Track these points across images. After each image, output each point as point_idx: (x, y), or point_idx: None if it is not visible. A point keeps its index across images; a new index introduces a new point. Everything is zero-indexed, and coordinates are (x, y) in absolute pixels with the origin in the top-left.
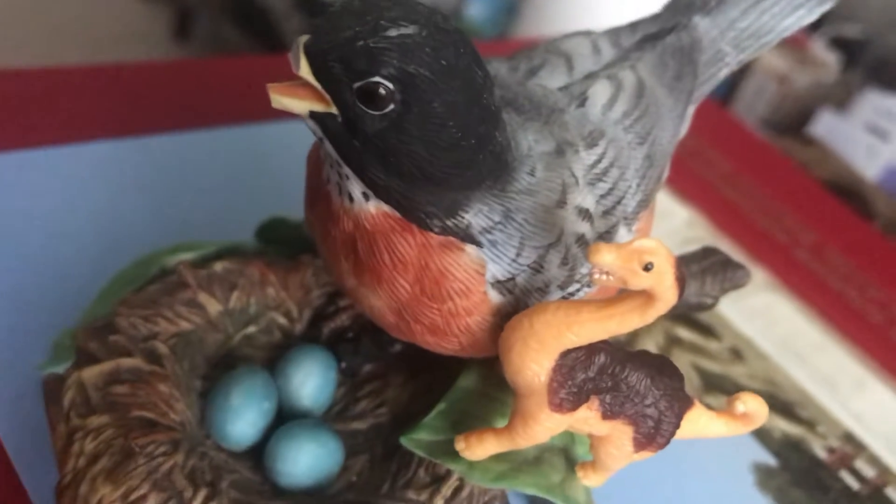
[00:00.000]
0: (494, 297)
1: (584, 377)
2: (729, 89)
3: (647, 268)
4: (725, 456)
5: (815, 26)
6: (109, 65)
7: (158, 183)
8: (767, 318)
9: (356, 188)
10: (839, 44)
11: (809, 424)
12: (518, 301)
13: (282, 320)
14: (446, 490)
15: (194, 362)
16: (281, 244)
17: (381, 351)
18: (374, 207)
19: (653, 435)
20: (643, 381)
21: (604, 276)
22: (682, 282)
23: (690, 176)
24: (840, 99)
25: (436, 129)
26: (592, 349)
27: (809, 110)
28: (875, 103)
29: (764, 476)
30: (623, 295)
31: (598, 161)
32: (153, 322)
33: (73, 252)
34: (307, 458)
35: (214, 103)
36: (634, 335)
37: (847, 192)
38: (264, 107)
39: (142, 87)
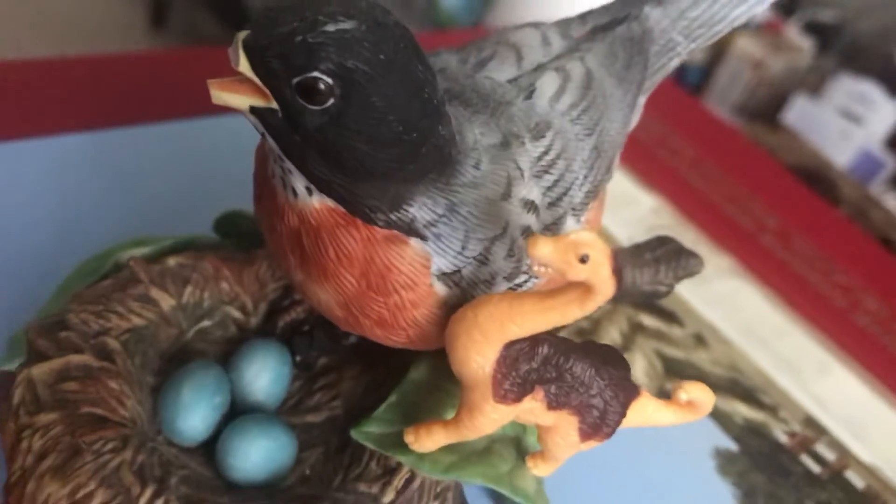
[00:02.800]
0: (440, 289)
1: (528, 368)
2: (704, 76)
3: (583, 260)
4: (686, 442)
5: (790, 11)
6: (69, 58)
7: (120, 176)
8: (731, 303)
9: (299, 183)
10: (813, 29)
11: (771, 409)
12: (464, 293)
13: (236, 314)
14: (398, 482)
15: (147, 358)
16: (238, 237)
17: (336, 344)
18: (317, 202)
19: (598, 425)
20: (587, 371)
21: (542, 269)
22: (618, 273)
23: (656, 164)
24: (814, 84)
25: (376, 124)
26: (536, 340)
27: (783, 95)
28: (848, 88)
29: (725, 461)
30: (563, 287)
31: (545, 153)
32: (104, 318)
33: (33, 247)
34: (259, 453)
35: (175, 96)
36: (598, 322)
37: (814, 177)
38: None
39: (104, 80)
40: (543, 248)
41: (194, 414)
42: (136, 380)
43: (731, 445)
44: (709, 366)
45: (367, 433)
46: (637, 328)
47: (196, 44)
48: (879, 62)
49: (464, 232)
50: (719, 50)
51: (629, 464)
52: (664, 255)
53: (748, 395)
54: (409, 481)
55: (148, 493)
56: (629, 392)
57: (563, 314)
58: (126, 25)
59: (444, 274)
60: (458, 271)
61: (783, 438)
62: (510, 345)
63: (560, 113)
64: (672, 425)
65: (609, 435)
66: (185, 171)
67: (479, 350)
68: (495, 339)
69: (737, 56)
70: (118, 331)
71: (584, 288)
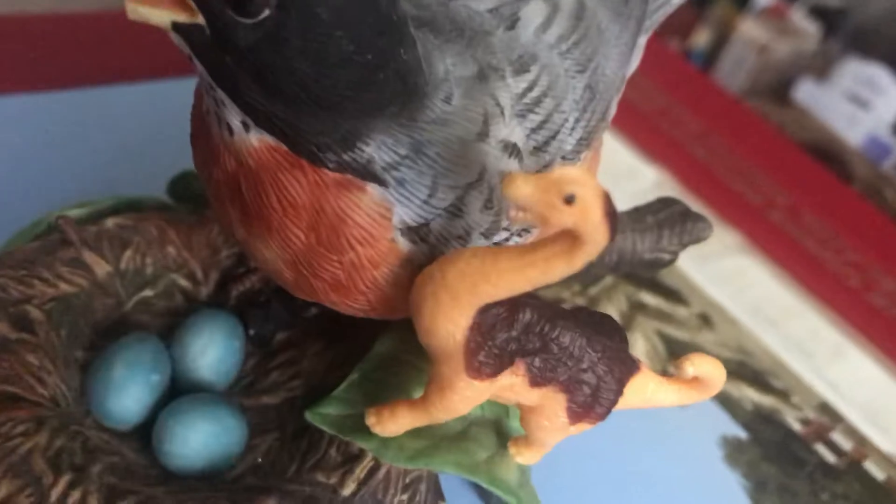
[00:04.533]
0: (404, 245)
1: (506, 337)
2: (708, 60)
3: (570, 201)
4: (691, 429)
5: None
6: (16, 15)
7: (71, 140)
8: (738, 282)
9: (234, 117)
10: (819, 13)
11: (783, 395)
12: (433, 251)
13: (184, 283)
14: (360, 471)
15: (76, 330)
16: (194, 201)
17: (295, 316)
18: (256, 140)
19: (590, 404)
20: (577, 341)
21: (520, 214)
22: (612, 218)
23: (660, 136)
24: (820, 68)
25: (321, 41)
26: (516, 304)
27: (789, 80)
28: (855, 72)
29: (733, 450)
30: (546, 239)
31: (529, 89)
32: (27, 284)
33: None
34: (200, 437)
35: (131, 57)
36: (594, 300)
37: (825, 154)
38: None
39: (55, 40)
40: (522, 187)
41: (127, 393)
42: (62, 354)
43: (740, 433)
44: (715, 348)
45: (325, 415)
46: (637, 307)
47: None
48: (887, 46)
49: (431, 177)
50: (724, 34)
51: (627, 453)
52: (668, 218)
53: (757, 378)
54: (372, 471)
55: (62, 483)
56: (626, 367)
57: (546, 271)
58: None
59: (409, 227)
60: (426, 224)
61: (796, 426)
62: (485, 309)
63: (548, 45)
64: (676, 406)
65: (603, 416)
66: (139, 135)
67: (449, 315)
68: (467, 302)
69: (742, 40)
70: (42, 298)
71: (570, 238)
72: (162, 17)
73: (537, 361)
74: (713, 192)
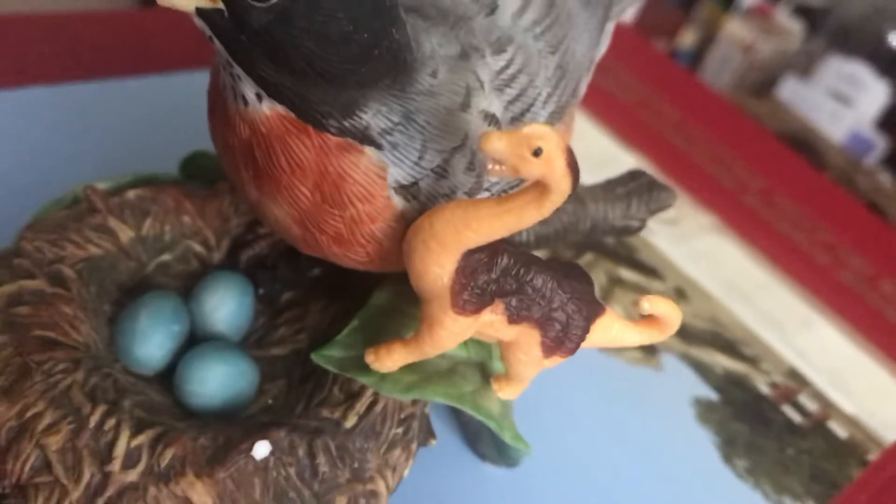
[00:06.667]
0: (398, 202)
1: (486, 279)
2: (695, 59)
3: (537, 153)
4: (667, 390)
5: None
6: (48, 14)
7: (88, 129)
8: (713, 259)
9: (249, 89)
10: (803, 12)
11: (753, 361)
12: (423, 207)
13: (198, 248)
14: (360, 406)
15: (104, 288)
16: (203, 177)
17: (300, 276)
18: (268, 109)
19: (561, 339)
20: (549, 283)
21: (497, 167)
22: (574, 169)
23: (638, 124)
24: (804, 66)
25: (324, 21)
26: (495, 251)
27: (774, 78)
28: (838, 69)
29: (705, 410)
30: (519, 190)
31: (506, 67)
32: (60, 246)
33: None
34: (217, 378)
35: (148, 53)
36: None
37: (801, 144)
38: (197, 55)
39: (71, 37)
40: (496, 142)
41: (151, 341)
42: (92, 308)
43: (712, 395)
44: (689, 318)
45: (329, 357)
46: (616, 282)
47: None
48: (869, 43)
49: (421, 141)
50: (709, 34)
51: (607, 411)
52: (636, 188)
53: (729, 347)
54: (371, 406)
55: (98, 412)
56: (593, 307)
57: (520, 217)
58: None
59: (402, 186)
60: (416, 183)
61: (765, 389)
62: (468, 255)
63: (523, 29)
64: (639, 344)
65: (573, 350)
66: (154, 124)
67: (437, 260)
68: (452, 247)
69: (727, 40)
70: (73, 259)
71: (540, 188)
72: (187, 3)
73: (514, 301)
74: (690, 176)
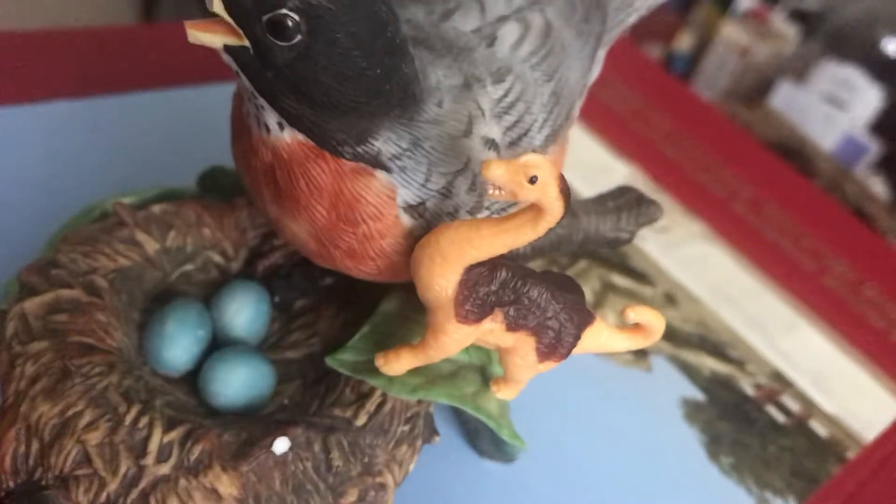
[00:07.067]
0: (406, 220)
1: (487, 290)
2: (691, 63)
3: (533, 181)
4: (655, 391)
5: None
6: (61, 29)
7: (108, 142)
8: (702, 265)
9: (272, 118)
10: (798, 16)
11: (738, 363)
12: (429, 225)
13: (218, 259)
14: (370, 406)
15: (133, 296)
16: (219, 192)
17: (313, 285)
18: (289, 137)
19: (554, 345)
20: (543, 294)
21: (497, 191)
22: (566, 194)
23: (631, 135)
24: (799, 70)
25: (341, 59)
26: (494, 265)
27: (769, 82)
28: (832, 73)
29: (692, 410)
30: (517, 211)
31: (505, 95)
32: (92, 258)
33: (24, 208)
34: (239, 379)
35: (161, 67)
36: None
37: (791, 152)
38: (211, 69)
39: (91, 52)
40: (496, 170)
41: (178, 345)
42: (123, 315)
43: (699, 395)
44: (678, 322)
45: (341, 360)
46: (609, 287)
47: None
48: (864, 48)
49: (427, 165)
50: (706, 38)
51: (598, 410)
52: (626, 203)
53: (716, 349)
54: (380, 405)
55: (134, 411)
56: (583, 316)
57: (517, 236)
58: (116, 19)
59: (410, 206)
60: (423, 203)
61: (749, 390)
62: (471, 269)
63: (520, 59)
64: (624, 350)
65: (565, 356)
66: (171, 138)
67: (442, 273)
68: (456, 262)
69: (723, 44)
70: (105, 270)
71: (535, 210)
72: (215, 40)
73: (512, 311)
74: (680, 185)
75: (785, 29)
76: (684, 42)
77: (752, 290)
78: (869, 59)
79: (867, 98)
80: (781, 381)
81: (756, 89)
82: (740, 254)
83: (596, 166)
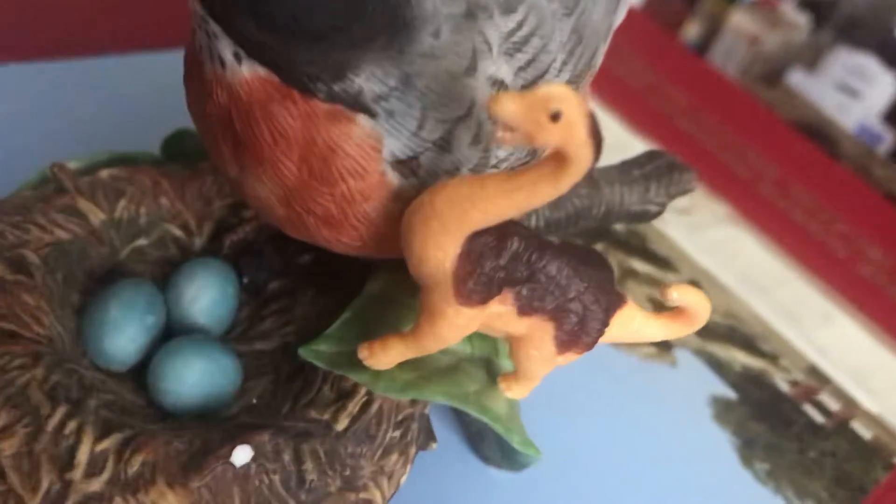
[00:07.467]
0: (394, 179)
1: (494, 265)
2: (699, 51)
3: (555, 117)
4: (682, 389)
5: None
6: None
7: (66, 109)
8: (728, 251)
9: (227, 49)
10: (809, 4)
11: (771, 358)
12: (423, 185)
13: (177, 233)
14: (352, 407)
15: (71, 275)
16: (186, 158)
17: (288, 264)
18: (248, 71)
19: (577, 332)
20: (564, 270)
21: (507, 134)
22: (596, 136)
23: (649, 111)
24: (810, 58)
25: None
26: (504, 233)
27: (780, 70)
28: (845, 62)
29: (722, 409)
30: (534, 162)
31: (517, 28)
32: (23, 230)
33: None
34: (195, 376)
35: (128, 30)
36: None
37: (815, 133)
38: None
39: (54, 11)
40: (508, 105)
41: (122, 333)
42: (58, 297)
43: (729, 393)
44: None
45: (318, 352)
46: (629, 273)
47: None
48: (877, 35)
49: (420, 109)
50: (715, 26)
51: (620, 410)
52: (654, 171)
53: (747, 342)
54: (365, 406)
55: (59, 413)
56: (612, 298)
57: (533, 194)
58: None
59: (399, 161)
60: (415, 158)
61: (784, 387)
62: (474, 237)
63: None
64: (659, 339)
65: (590, 346)
66: (132, 105)
67: (438, 243)
68: (456, 229)
69: (732, 32)
70: (38, 244)
71: (556, 160)
72: None
73: (525, 290)
74: (702, 164)
75: (795, 17)
76: (692, 31)
77: (782, 277)
78: (883, 47)
79: (881, 86)
80: (818, 377)
81: (767, 78)
82: (768, 238)
83: (612, 143)
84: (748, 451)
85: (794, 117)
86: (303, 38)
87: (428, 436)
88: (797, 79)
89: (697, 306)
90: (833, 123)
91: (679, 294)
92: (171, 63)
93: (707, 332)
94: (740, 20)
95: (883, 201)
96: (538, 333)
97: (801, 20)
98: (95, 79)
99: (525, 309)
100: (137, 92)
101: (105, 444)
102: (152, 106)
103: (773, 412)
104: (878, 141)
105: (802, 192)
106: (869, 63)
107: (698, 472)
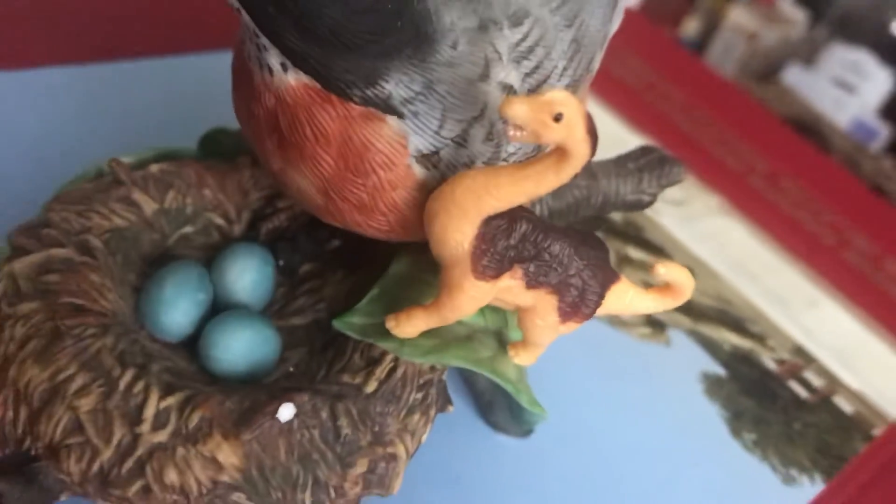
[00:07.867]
0: (419, 171)
1: (505, 245)
2: (697, 47)
3: (558, 118)
4: (674, 366)
5: None
6: None
7: (106, 110)
8: (720, 240)
9: (274, 59)
10: (806, 0)
11: (760, 338)
12: (443, 176)
13: (219, 221)
14: (380, 372)
15: (129, 258)
16: (222, 154)
17: (319, 249)
18: (293, 79)
19: (577, 304)
20: (566, 250)
21: (517, 132)
22: (593, 135)
23: (646, 108)
24: (807, 54)
25: None
26: (514, 217)
27: (777, 66)
28: (841, 57)
29: (713, 385)
30: (539, 155)
31: (523, 39)
32: (86, 217)
33: (21, 177)
34: (241, 344)
35: (164, 34)
36: None
37: (806, 128)
38: (214, 37)
39: (89, 16)
40: (518, 107)
41: (176, 309)
42: (118, 276)
43: (719, 370)
44: (697, 296)
45: (350, 323)
46: (625, 260)
47: None
48: (873, 31)
49: (441, 111)
50: (713, 22)
51: (616, 385)
52: (647, 164)
53: (737, 324)
54: (391, 371)
55: (128, 375)
56: (608, 274)
57: (539, 182)
58: None
59: (423, 155)
60: (437, 153)
61: (771, 365)
62: (488, 221)
63: (539, 3)
64: (653, 311)
65: (588, 316)
66: (171, 105)
67: (458, 226)
68: (473, 213)
69: (730, 28)
70: (99, 230)
71: (558, 154)
72: None
73: (532, 267)
74: (696, 158)
75: (793, 13)
76: (691, 27)
77: (771, 264)
78: (878, 43)
79: (877, 81)
80: (804, 356)
81: (764, 74)
82: (758, 228)
83: (610, 140)
84: (737, 422)
85: (789, 113)
86: (340, 50)
87: (445, 399)
88: (794, 74)
89: (682, 281)
90: (825, 119)
91: (666, 269)
92: (206, 65)
93: (698, 313)
94: (739, 17)
95: (870, 193)
96: (543, 305)
97: (798, 16)
98: (136, 81)
99: (532, 283)
100: (173, 93)
101: (168, 402)
102: (187, 105)
103: (760, 388)
104: (874, 135)
105: (792, 184)
106: (865, 59)
107: (691, 441)
